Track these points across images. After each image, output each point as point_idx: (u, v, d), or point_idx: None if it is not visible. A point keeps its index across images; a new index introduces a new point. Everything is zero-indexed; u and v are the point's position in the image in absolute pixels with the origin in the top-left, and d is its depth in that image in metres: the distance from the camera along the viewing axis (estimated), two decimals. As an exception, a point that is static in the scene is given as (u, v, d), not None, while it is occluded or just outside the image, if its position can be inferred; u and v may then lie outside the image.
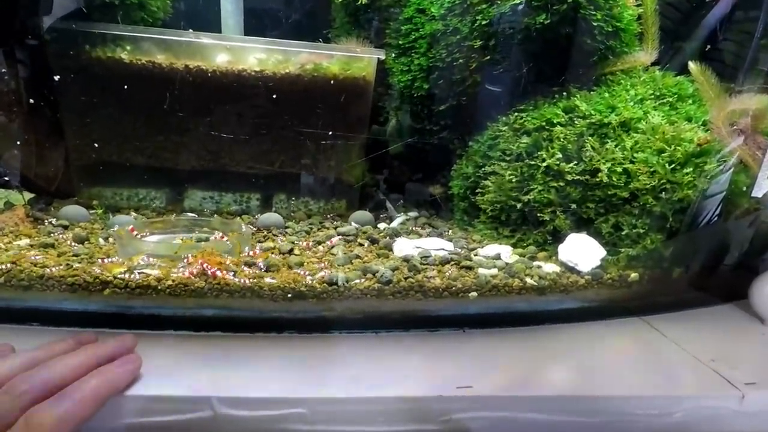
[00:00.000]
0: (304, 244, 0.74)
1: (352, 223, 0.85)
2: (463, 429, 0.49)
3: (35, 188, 0.87)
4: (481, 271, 0.65)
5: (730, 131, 0.66)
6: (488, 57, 0.79)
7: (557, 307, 0.66)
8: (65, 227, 0.75)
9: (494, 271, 0.66)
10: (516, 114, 0.80)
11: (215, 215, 0.86)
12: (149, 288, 0.56)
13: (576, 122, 0.73)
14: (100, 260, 0.61)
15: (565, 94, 0.78)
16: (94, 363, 0.45)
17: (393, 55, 0.92)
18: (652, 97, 0.75)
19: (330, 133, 0.85)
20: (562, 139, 0.72)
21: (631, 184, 0.65)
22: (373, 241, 0.76)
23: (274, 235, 0.79)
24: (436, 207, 0.97)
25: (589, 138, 0.70)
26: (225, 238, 0.70)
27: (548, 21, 0.73)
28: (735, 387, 0.53)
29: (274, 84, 0.82)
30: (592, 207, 0.69)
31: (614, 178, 0.66)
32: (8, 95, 0.80)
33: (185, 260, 0.61)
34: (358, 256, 0.69)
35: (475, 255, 0.72)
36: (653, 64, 0.83)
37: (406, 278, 0.62)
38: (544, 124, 0.75)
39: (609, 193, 0.67)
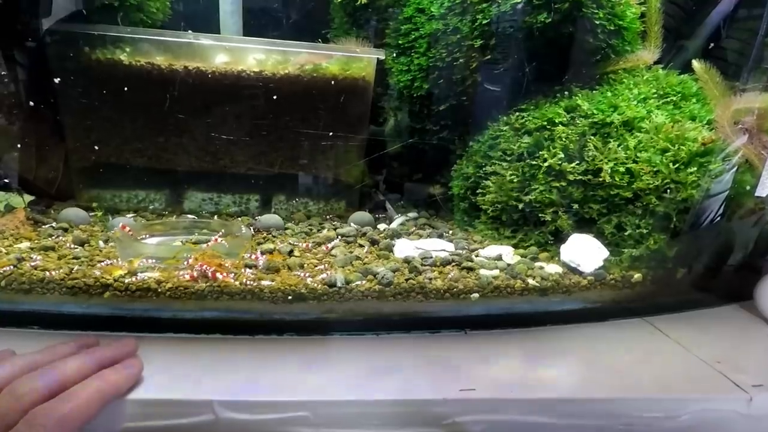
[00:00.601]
0: (304, 245, 0.73)
1: (352, 224, 0.85)
2: (466, 432, 0.49)
3: (35, 191, 0.86)
4: (482, 272, 0.65)
5: (735, 130, 0.66)
6: (489, 56, 0.78)
7: (560, 308, 0.65)
8: (65, 230, 0.74)
9: (496, 272, 0.65)
10: (517, 113, 0.79)
11: (215, 217, 0.86)
12: (149, 290, 0.56)
13: (578, 121, 0.72)
14: (100, 263, 0.61)
15: (566, 93, 0.78)
16: (95, 366, 0.45)
17: (392, 55, 0.92)
18: (656, 96, 0.74)
19: (329, 133, 0.85)
20: (563, 139, 0.71)
21: (634, 183, 0.65)
22: (374, 243, 0.76)
23: (274, 237, 0.78)
24: (436, 207, 0.96)
25: (592, 137, 0.70)
26: (224, 240, 0.70)
27: (549, 20, 0.72)
28: (742, 390, 0.52)
29: (274, 85, 0.81)
30: (595, 207, 0.68)
31: (617, 178, 0.66)
32: (8, 98, 0.79)
33: (185, 262, 0.60)
34: (358, 258, 0.69)
35: (477, 256, 0.71)
36: (656, 62, 0.82)
37: (407, 280, 0.61)
38: (545, 123, 0.75)
39: (612, 193, 0.66)
